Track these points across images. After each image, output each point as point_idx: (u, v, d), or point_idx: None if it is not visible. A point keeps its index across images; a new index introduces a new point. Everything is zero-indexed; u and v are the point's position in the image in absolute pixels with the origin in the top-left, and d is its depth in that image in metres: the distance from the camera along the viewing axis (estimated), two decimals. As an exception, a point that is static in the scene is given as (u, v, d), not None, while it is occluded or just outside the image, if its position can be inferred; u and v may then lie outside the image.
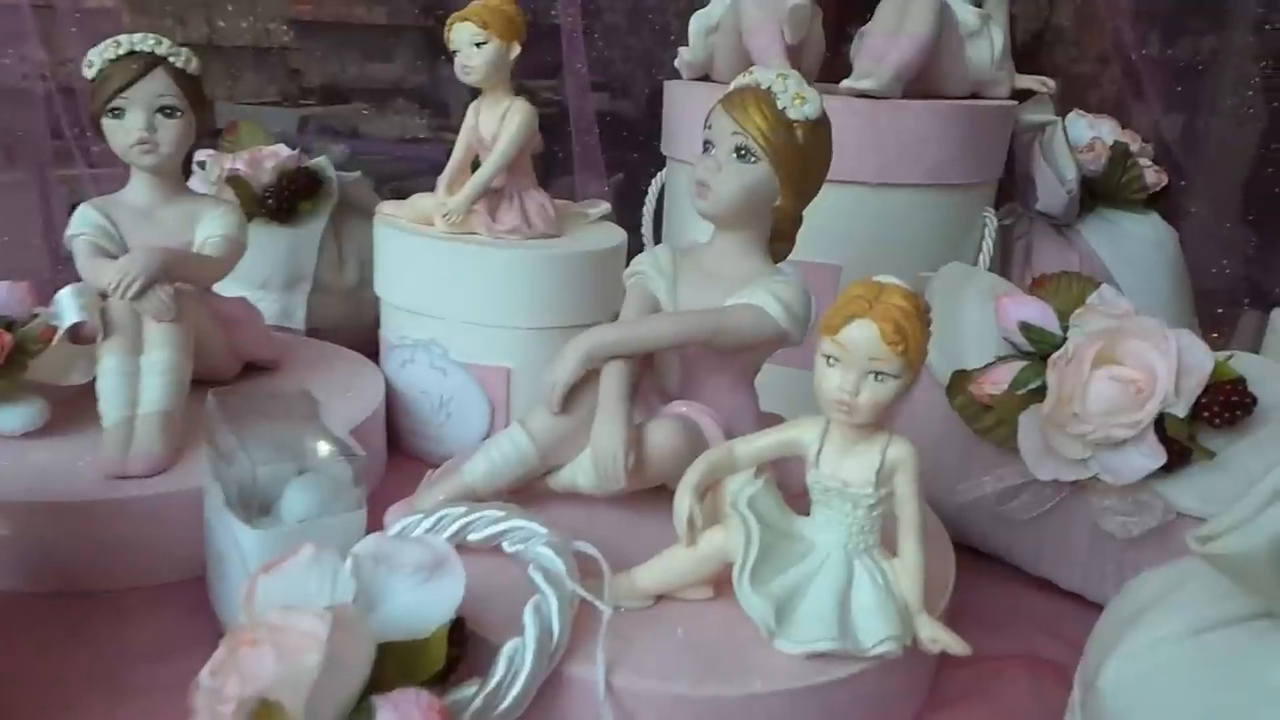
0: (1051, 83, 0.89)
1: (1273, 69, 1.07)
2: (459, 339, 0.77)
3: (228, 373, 0.78)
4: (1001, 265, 0.89)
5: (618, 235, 0.82)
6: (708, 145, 0.59)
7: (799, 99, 0.57)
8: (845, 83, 0.79)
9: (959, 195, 0.85)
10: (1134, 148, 0.88)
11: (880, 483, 0.46)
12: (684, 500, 0.48)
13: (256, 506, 0.51)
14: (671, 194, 0.98)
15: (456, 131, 0.81)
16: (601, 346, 0.56)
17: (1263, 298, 1.05)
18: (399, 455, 0.82)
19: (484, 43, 0.75)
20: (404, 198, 0.83)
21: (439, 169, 0.82)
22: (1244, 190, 1.09)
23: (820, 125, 0.58)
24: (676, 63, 1.00)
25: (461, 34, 0.75)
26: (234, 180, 0.94)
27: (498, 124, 0.77)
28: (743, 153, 0.57)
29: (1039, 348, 0.61)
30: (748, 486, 0.49)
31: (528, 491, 0.60)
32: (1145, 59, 1.08)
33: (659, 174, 1.01)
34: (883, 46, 0.81)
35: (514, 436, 0.58)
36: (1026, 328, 0.62)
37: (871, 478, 0.46)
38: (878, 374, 0.44)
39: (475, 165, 0.80)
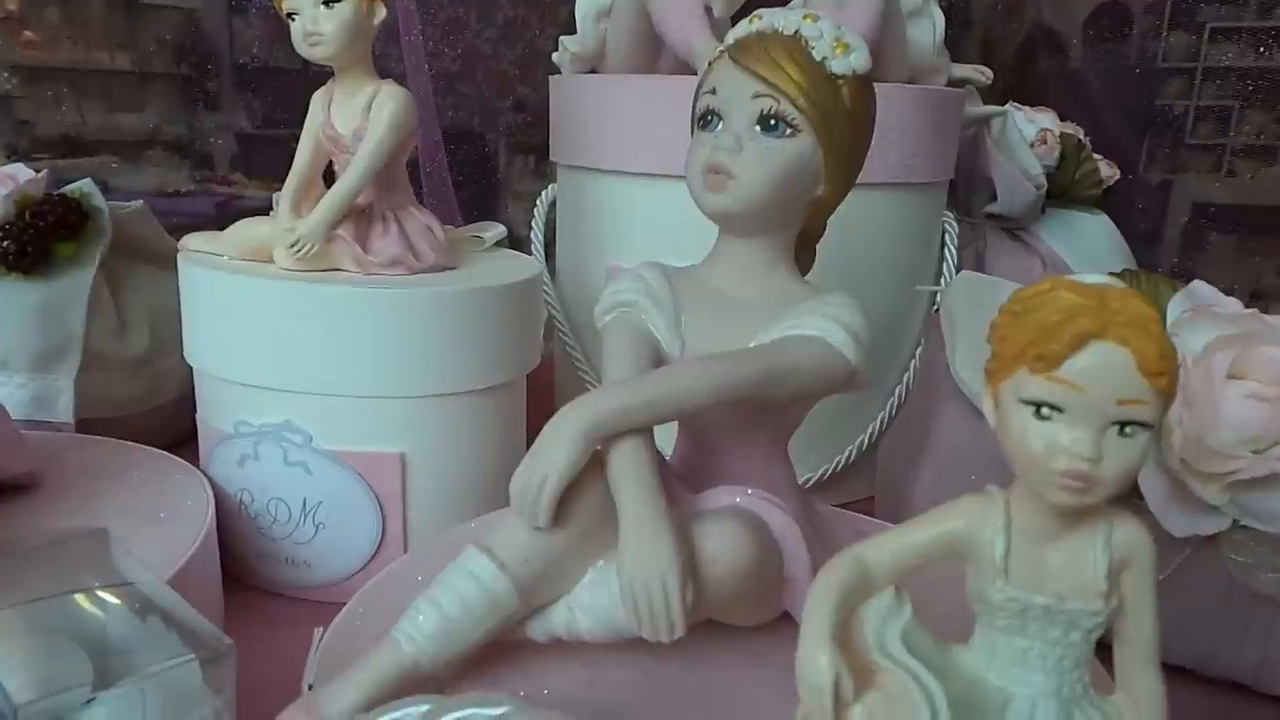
0: (989, 72, 0.80)
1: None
2: (326, 420, 0.54)
3: (-46, 503, 0.51)
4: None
5: (530, 263, 0.63)
6: (710, 117, 0.42)
7: (841, 46, 0.41)
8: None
9: (921, 195, 0.72)
10: (1081, 138, 0.80)
11: (1112, 590, 0.30)
12: (821, 663, 0.29)
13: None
14: (568, 209, 0.79)
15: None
16: (606, 419, 0.36)
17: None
18: (242, 591, 0.57)
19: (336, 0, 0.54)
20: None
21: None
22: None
23: (867, 85, 0.42)
24: (556, 56, 0.82)
25: (302, -11, 0.54)
26: (-53, 218, 0.65)
27: (361, 117, 0.56)
28: (773, 122, 0.40)
29: (1126, 366, 0.49)
30: (892, 619, 0.31)
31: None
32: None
33: (549, 186, 0.82)
34: (830, 21, 0.68)
35: (477, 570, 0.37)
36: (1109, 342, 0.49)
37: (1102, 585, 0.30)
38: (1125, 424, 0.28)
39: (329, 177, 0.58)
